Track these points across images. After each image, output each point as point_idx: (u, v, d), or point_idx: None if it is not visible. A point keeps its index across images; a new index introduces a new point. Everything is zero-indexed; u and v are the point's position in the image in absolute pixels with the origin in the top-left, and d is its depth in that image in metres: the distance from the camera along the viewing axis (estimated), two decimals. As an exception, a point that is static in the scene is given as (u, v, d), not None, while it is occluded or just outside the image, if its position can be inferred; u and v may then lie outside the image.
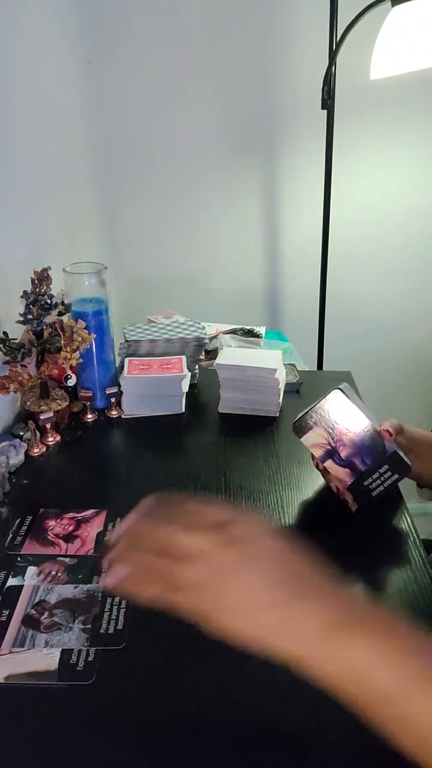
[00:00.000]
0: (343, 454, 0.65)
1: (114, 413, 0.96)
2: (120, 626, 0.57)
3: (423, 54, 1.01)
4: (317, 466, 0.70)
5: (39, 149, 1.14)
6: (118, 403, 0.96)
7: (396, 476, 0.66)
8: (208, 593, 0.41)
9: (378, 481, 0.66)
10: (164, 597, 0.42)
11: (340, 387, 0.67)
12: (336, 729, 0.47)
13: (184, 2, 1.41)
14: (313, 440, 0.66)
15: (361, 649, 0.39)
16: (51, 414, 0.87)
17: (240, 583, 0.41)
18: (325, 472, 0.69)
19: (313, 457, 0.69)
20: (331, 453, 0.66)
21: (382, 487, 0.66)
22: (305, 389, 1.05)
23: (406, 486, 0.73)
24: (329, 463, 0.66)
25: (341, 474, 0.66)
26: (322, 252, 1.46)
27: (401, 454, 0.65)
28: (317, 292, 1.51)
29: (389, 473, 0.66)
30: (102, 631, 0.56)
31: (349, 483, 0.66)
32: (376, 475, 0.66)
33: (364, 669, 0.38)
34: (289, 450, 0.86)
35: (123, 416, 0.96)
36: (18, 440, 0.85)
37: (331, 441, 0.65)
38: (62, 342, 0.87)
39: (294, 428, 0.67)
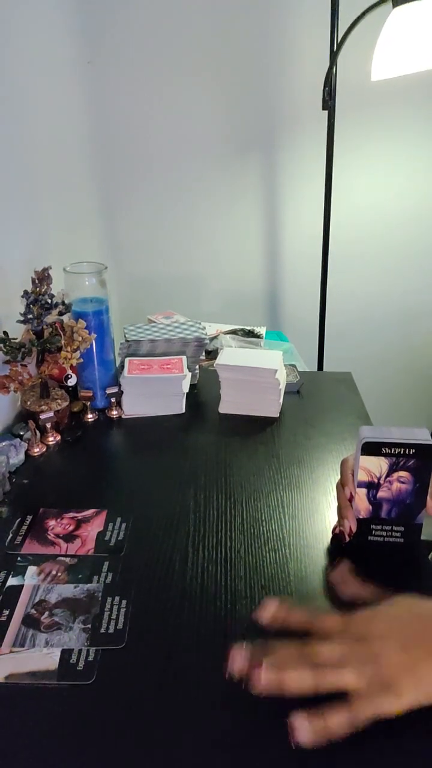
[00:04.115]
0: (381, 494, 0.63)
1: (114, 413, 0.96)
2: (120, 626, 0.57)
3: (424, 55, 1.01)
4: (342, 485, 0.66)
5: (39, 149, 1.14)
6: (119, 403, 0.96)
7: (401, 540, 0.64)
8: (369, 695, 0.45)
9: (383, 533, 0.64)
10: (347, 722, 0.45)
11: None
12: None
13: (184, 2, 1.41)
14: (370, 465, 0.63)
15: None
16: (51, 414, 0.87)
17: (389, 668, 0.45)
18: (344, 497, 0.66)
19: (343, 474, 0.66)
20: (372, 485, 0.63)
21: (381, 539, 0.65)
22: (306, 390, 1.05)
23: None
24: (361, 491, 0.63)
25: (362, 506, 0.64)
26: (323, 252, 1.46)
27: (421, 531, 0.64)
28: (318, 292, 1.51)
29: (398, 534, 0.64)
30: (102, 630, 0.56)
31: (362, 517, 0.64)
32: (387, 528, 0.65)
33: None
34: (290, 450, 0.86)
35: (123, 416, 0.96)
36: (18, 440, 0.85)
37: (382, 477, 0.63)
38: (62, 342, 0.87)
39: (365, 443, 0.60)
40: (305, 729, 0.44)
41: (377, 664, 0.46)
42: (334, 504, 0.72)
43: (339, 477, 0.67)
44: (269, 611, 0.53)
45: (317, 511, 0.73)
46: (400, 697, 0.45)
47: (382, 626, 0.49)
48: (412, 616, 0.50)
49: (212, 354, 1.24)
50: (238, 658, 0.48)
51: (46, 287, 0.86)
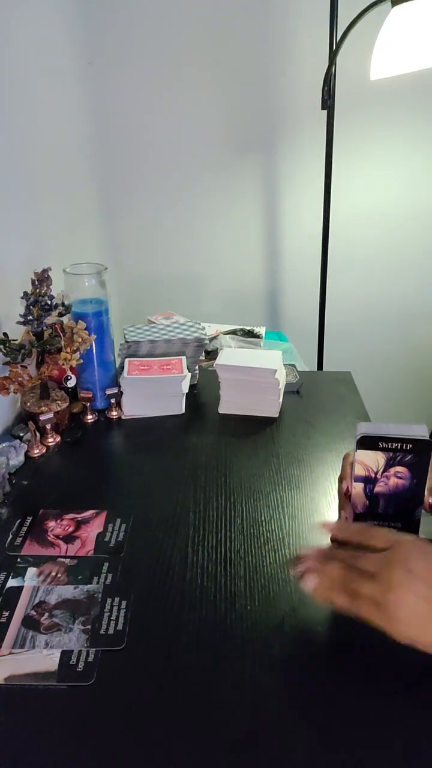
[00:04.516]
0: (378, 489, 0.63)
1: (114, 414, 0.96)
2: (120, 627, 0.57)
3: (423, 54, 1.01)
4: (341, 479, 0.66)
5: (39, 149, 1.14)
6: (118, 404, 0.97)
7: None
8: (382, 608, 0.48)
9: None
10: (349, 608, 0.50)
11: None
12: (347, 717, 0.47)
13: (184, 2, 1.41)
14: (366, 460, 0.63)
15: None
16: (51, 415, 0.87)
17: (409, 597, 0.48)
18: (345, 491, 0.66)
19: (343, 468, 0.67)
20: (369, 480, 0.63)
21: None
22: (305, 389, 1.05)
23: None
24: (358, 485, 0.64)
25: (358, 501, 0.64)
26: (322, 252, 1.46)
27: (419, 527, 0.64)
28: (317, 292, 1.51)
29: (396, 530, 0.64)
30: (102, 632, 0.56)
31: (359, 512, 0.65)
32: (385, 524, 0.63)
33: None
34: (289, 450, 0.87)
35: (123, 417, 0.96)
36: (18, 441, 0.85)
37: (379, 472, 0.63)
38: (62, 343, 0.87)
39: (361, 438, 0.61)
40: (312, 581, 0.51)
41: (396, 589, 0.48)
42: (334, 504, 0.72)
43: (340, 472, 0.67)
44: (331, 527, 0.59)
45: (317, 510, 0.73)
46: (400, 625, 0.47)
47: (419, 566, 0.50)
48: None
49: (212, 354, 1.24)
50: (304, 562, 0.54)
51: (45, 288, 0.86)
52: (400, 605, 0.48)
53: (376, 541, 0.54)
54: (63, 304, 0.90)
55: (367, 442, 0.61)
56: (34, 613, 0.59)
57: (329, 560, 0.54)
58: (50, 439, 0.88)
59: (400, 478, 0.61)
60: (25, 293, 0.85)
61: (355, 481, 0.63)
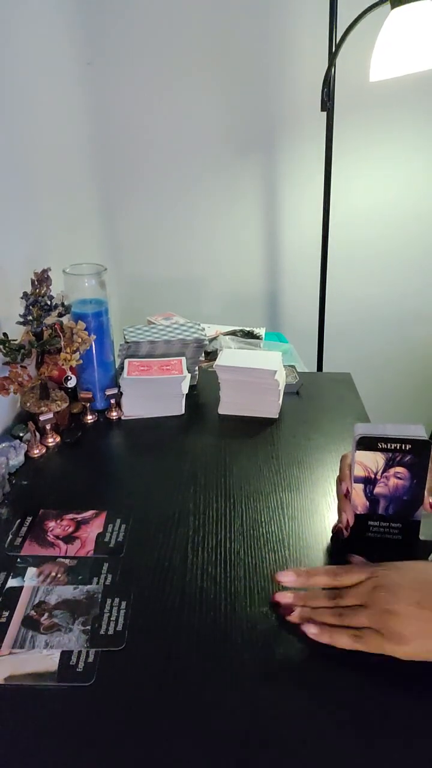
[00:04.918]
0: (377, 490, 0.63)
1: (114, 414, 0.96)
2: (120, 627, 0.57)
3: (422, 56, 1.01)
4: (340, 481, 0.66)
5: (39, 150, 1.14)
6: (118, 405, 0.97)
7: (399, 537, 0.64)
8: (386, 633, 0.50)
9: (381, 529, 0.64)
10: (353, 645, 0.52)
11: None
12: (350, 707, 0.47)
13: (184, 2, 1.41)
14: (366, 460, 0.63)
15: None
16: (51, 415, 0.87)
17: (408, 609, 0.50)
18: (343, 493, 0.66)
19: (341, 470, 0.67)
20: (369, 481, 0.63)
21: (379, 536, 0.65)
22: (305, 391, 1.05)
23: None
24: (358, 486, 0.64)
25: (359, 502, 0.64)
26: (322, 253, 1.46)
27: (420, 528, 0.64)
28: (317, 293, 1.51)
29: (396, 531, 0.64)
30: (102, 632, 0.56)
31: (359, 513, 0.65)
32: (385, 524, 0.65)
33: None
34: (289, 451, 0.87)
35: (123, 417, 0.96)
36: (18, 441, 0.85)
37: (379, 473, 0.62)
38: (62, 343, 0.87)
39: (361, 438, 0.61)
40: (313, 629, 0.54)
41: (391, 611, 0.50)
42: (334, 505, 0.72)
43: (338, 474, 0.67)
44: (288, 581, 0.59)
45: (317, 512, 0.74)
46: (407, 645, 0.49)
47: (403, 579, 0.53)
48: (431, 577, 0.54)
49: (212, 355, 1.25)
50: (284, 599, 0.58)
51: (45, 289, 0.86)
52: (401, 623, 0.50)
53: (347, 579, 0.56)
54: (63, 305, 0.90)
55: (367, 443, 0.61)
56: (34, 614, 0.59)
57: (309, 601, 0.56)
58: (50, 440, 0.88)
59: (399, 478, 0.62)
60: (25, 293, 0.85)
61: (354, 482, 0.63)
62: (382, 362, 1.81)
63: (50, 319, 0.88)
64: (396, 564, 0.56)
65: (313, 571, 0.59)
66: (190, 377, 0.98)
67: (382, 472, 0.62)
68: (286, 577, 0.59)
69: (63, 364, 0.87)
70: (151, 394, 0.95)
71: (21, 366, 0.85)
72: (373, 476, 0.62)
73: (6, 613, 0.59)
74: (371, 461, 0.62)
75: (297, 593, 0.58)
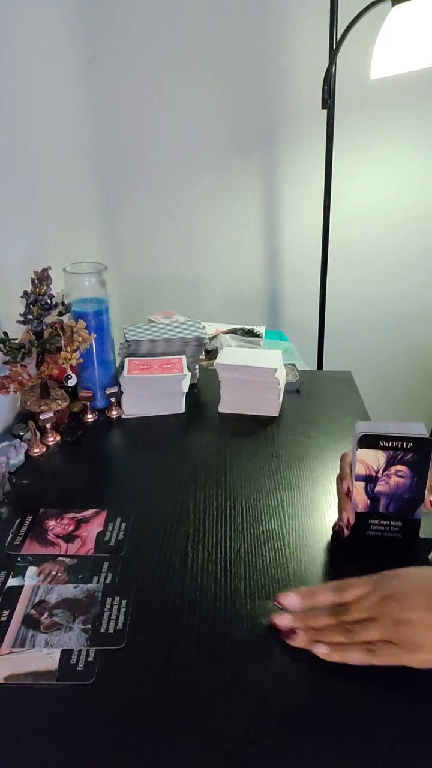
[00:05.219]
0: (378, 488, 0.63)
1: (114, 413, 0.96)
2: (120, 626, 0.57)
3: (423, 53, 1.01)
4: (341, 480, 0.66)
5: (39, 149, 1.14)
6: (118, 403, 0.96)
7: (399, 536, 0.64)
8: (400, 643, 0.49)
9: (381, 528, 0.64)
10: (368, 661, 0.50)
11: None
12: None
13: (184, 2, 1.41)
14: (367, 458, 0.63)
15: None
16: (51, 414, 0.87)
17: (421, 616, 0.49)
18: (343, 491, 0.66)
19: (342, 468, 0.67)
20: (370, 479, 0.63)
21: (380, 534, 0.65)
22: (305, 389, 1.05)
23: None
24: (359, 484, 0.64)
25: (360, 500, 0.64)
26: (322, 251, 1.46)
27: (420, 527, 0.64)
28: (317, 291, 1.51)
29: (396, 529, 0.64)
30: (102, 631, 0.56)
31: (359, 511, 0.65)
32: (386, 522, 0.64)
33: None
34: (290, 450, 0.86)
35: (123, 416, 0.96)
36: (18, 440, 0.85)
37: (380, 471, 0.63)
38: (62, 342, 0.87)
39: (362, 437, 0.61)
40: (324, 649, 0.51)
41: (404, 620, 0.49)
42: (334, 503, 0.72)
43: (339, 472, 0.67)
44: (291, 604, 0.56)
45: (317, 510, 0.73)
46: (425, 653, 0.48)
47: (408, 586, 0.52)
48: None
49: (212, 353, 1.24)
50: (283, 623, 0.55)
51: (45, 287, 0.86)
52: (416, 631, 0.48)
53: (351, 593, 0.54)
54: (63, 303, 0.90)
55: (368, 441, 0.61)
56: (34, 612, 0.59)
57: (311, 620, 0.54)
58: (50, 439, 0.88)
59: (400, 476, 0.62)
60: (25, 292, 0.85)
61: (356, 480, 0.63)
62: (382, 361, 1.81)
63: (50, 318, 0.88)
64: (396, 572, 0.55)
65: (315, 589, 0.57)
66: (190, 376, 0.98)
67: (383, 470, 0.62)
68: (289, 601, 0.56)
69: (63, 363, 0.87)
70: (151, 393, 0.95)
71: (21, 365, 0.85)
72: (374, 474, 0.62)
73: (6, 612, 0.58)
74: (372, 459, 0.61)
75: (296, 614, 0.55)
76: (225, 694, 0.50)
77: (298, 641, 0.53)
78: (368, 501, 0.64)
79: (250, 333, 1.39)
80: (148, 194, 1.63)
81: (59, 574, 0.63)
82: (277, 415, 0.95)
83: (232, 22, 1.43)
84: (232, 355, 0.98)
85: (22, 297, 0.85)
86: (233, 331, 1.39)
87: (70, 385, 0.97)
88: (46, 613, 0.58)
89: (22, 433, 0.88)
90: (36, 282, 0.86)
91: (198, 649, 0.54)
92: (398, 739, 0.47)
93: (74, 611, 0.59)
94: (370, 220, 1.63)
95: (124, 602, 0.60)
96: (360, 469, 0.62)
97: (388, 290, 1.72)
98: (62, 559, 0.66)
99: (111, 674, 0.52)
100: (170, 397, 0.96)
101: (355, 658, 0.50)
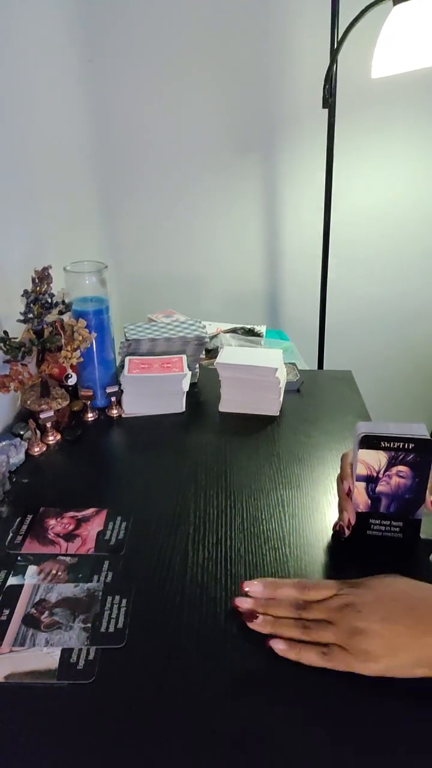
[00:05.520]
0: (380, 488, 0.63)
1: (114, 412, 0.96)
2: (120, 625, 0.57)
3: (424, 53, 1.01)
4: (341, 479, 0.66)
5: (39, 149, 1.14)
6: (119, 402, 0.96)
7: (400, 536, 0.64)
8: (351, 649, 0.50)
9: (382, 528, 0.64)
10: (319, 662, 0.51)
11: None
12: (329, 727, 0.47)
13: (184, 2, 1.41)
14: (369, 459, 0.62)
15: None
16: (51, 413, 0.87)
17: (373, 627, 0.50)
18: (344, 491, 0.65)
19: (342, 468, 0.67)
20: (371, 479, 0.63)
21: (380, 534, 0.65)
22: (306, 388, 1.05)
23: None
24: (360, 485, 0.63)
25: (360, 500, 0.64)
26: (323, 251, 1.46)
27: (421, 527, 0.64)
28: (318, 291, 1.51)
29: (397, 529, 0.64)
30: (102, 630, 0.56)
31: (360, 511, 0.64)
32: (386, 522, 0.64)
33: None
34: (290, 449, 0.86)
35: (123, 415, 0.96)
36: (18, 439, 0.85)
37: (381, 471, 0.62)
38: (63, 341, 0.87)
39: (364, 437, 0.61)
40: (281, 645, 0.52)
41: (358, 628, 0.50)
42: (334, 502, 0.72)
43: (339, 472, 0.67)
44: (255, 591, 0.58)
45: (317, 509, 0.73)
46: (375, 662, 0.49)
47: (369, 596, 0.53)
48: (398, 592, 0.53)
49: (212, 353, 1.24)
50: (244, 605, 0.56)
51: (46, 286, 0.86)
52: (368, 640, 0.49)
53: (315, 594, 0.55)
54: (63, 302, 0.90)
55: (370, 442, 0.61)
56: (35, 611, 0.58)
57: (271, 608, 0.55)
58: (50, 438, 0.88)
59: (402, 477, 0.61)
60: (26, 291, 0.85)
61: (357, 480, 0.63)
62: (382, 360, 1.81)
63: (51, 317, 0.88)
64: (362, 581, 0.55)
65: (281, 582, 0.58)
66: (190, 375, 0.97)
67: (385, 471, 0.62)
68: (253, 588, 0.58)
69: (63, 362, 0.87)
70: (151, 392, 0.95)
71: (21, 364, 0.85)
72: (375, 475, 0.62)
73: (6, 611, 0.58)
74: (374, 460, 0.61)
75: (257, 599, 0.57)
76: (225, 694, 0.50)
77: (257, 625, 0.55)
78: (369, 501, 0.64)
79: (251, 332, 1.39)
80: (148, 194, 1.63)
81: (59, 573, 0.63)
82: (278, 414, 0.95)
83: (232, 22, 1.43)
84: (232, 354, 0.98)
85: (22, 296, 0.85)
86: (234, 331, 1.39)
87: (70, 384, 0.96)
88: (47, 612, 0.58)
89: (22, 432, 0.88)
90: (36, 281, 0.85)
91: (198, 649, 0.54)
92: (406, 743, 0.46)
93: (74, 610, 0.58)
94: (371, 220, 1.63)
95: (124, 601, 0.59)
96: (361, 470, 0.62)
97: (388, 290, 1.72)
98: (62, 558, 0.66)
99: (111, 673, 0.52)
100: (171, 396, 0.96)
101: (311, 658, 0.51)
